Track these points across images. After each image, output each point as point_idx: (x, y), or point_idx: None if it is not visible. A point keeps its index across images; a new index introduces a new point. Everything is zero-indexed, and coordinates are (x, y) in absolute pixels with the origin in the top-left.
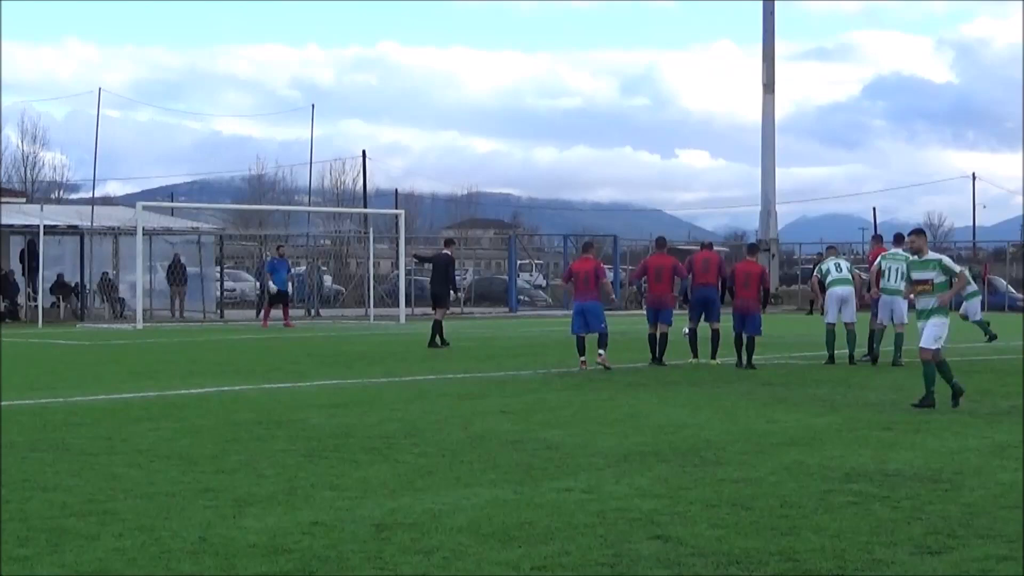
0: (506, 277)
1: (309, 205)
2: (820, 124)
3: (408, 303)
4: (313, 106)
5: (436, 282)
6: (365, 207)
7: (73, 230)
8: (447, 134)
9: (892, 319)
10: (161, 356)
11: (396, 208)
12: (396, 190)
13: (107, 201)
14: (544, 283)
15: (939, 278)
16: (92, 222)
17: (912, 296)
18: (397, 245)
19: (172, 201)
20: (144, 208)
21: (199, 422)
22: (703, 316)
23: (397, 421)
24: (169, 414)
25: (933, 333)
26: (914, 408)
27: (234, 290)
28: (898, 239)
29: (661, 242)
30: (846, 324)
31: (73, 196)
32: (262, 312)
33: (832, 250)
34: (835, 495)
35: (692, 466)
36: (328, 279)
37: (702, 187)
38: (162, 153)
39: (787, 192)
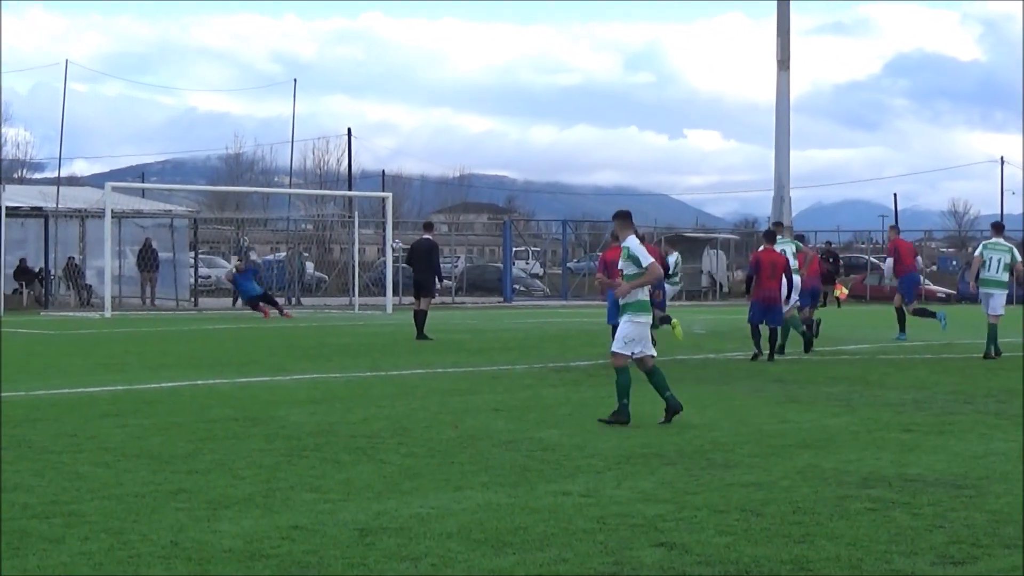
0: (500, 265)
1: (290, 187)
2: (837, 104)
3: (395, 291)
4: (295, 81)
5: (419, 270)
6: (350, 189)
7: (37, 212)
8: (438, 112)
9: (987, 310)
10: (130, 347)
11: (383, 191)
12: (383, 171)
13: (73, 181)
14: (541, 271)
15: None
16: (57, 204)
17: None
18: (384, 230)
19: (143, 182)
20: (113, 189)
21: (171, 419)
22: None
23: (383, 419)
24: (139, 410)
25: None
26: None
27: (209, 277)
28: (997, 228)
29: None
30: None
31: (37, 175)
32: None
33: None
34: (851, 501)
35: (699, 469)
36: (310, 266)
37: (711, 170)
38: (132, 130)
39: (802, 176)
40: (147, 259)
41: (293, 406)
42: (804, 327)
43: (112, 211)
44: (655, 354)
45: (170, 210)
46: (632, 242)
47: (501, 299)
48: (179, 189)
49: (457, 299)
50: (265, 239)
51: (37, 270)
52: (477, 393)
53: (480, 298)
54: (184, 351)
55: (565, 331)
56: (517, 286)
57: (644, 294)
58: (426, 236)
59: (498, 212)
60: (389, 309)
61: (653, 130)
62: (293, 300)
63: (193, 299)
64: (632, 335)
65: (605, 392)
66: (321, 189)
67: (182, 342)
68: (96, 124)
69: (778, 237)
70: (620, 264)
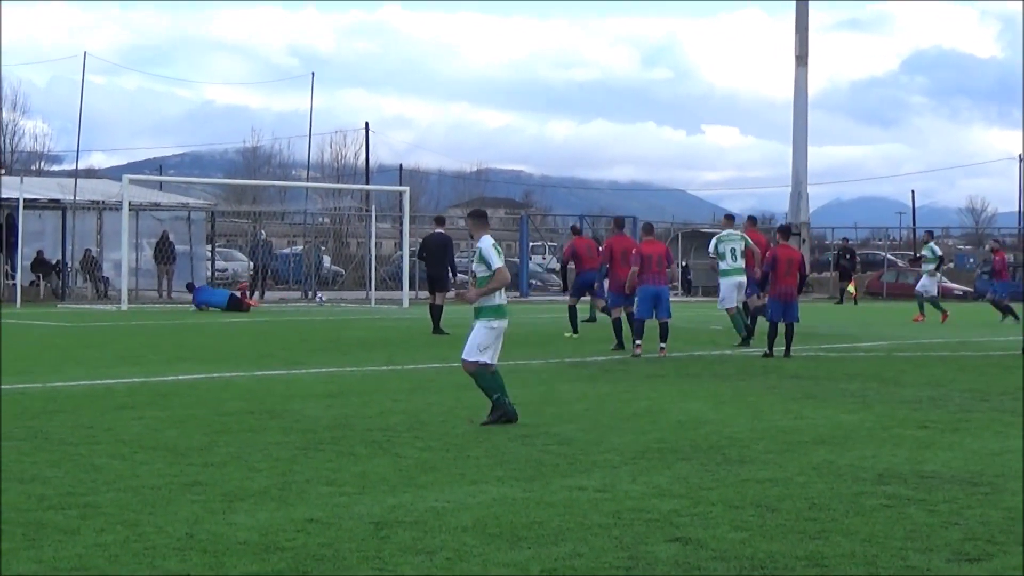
0: (517, 260)
1: (307, 180)
2: (854, 100)
3: (411, 286)
4: (312, 74)
5: (432, 264)
6: (367, 183)
7: (55, 204)
8: (456, 106)
9: None
10: (147, 340)
11: (400, 185)
12: (400, 165)
13: (91, 173)
14: (557, 267)
15: None
16: (75, 196)
17: None
18: (401, 224)
19: (160, 174)
20: (130, 181)
21: (187, 411)
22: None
23: (399, 413)
24: (154, 402)
25: None
26: None
27: (226, 270)
28: None
29: (648, 227)
30: None
31: (55, 168)
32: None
33: None
34: (867, 497)
35: (714, 464)
36: (327, 259)
37: (728, 166)
38: (150, 123)
39: (819, 173)
40: (164, 252)
41: (309, 399)
42: (748, 322)
43: (129, 203)
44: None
45: (187, 203)
46: (484, 243)
47: (517, 294)
48: (196, 182)
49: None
50: (282, 232)
51: (54, 262)
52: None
53: None
54: (200, 344)
55: (582, 327)
56: (533, 281)
57: (501, 298)
58: (438, 231)
59: (515, 207)
60: (406, 303)
61: (670, 125)
62: (310, 293)
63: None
64: (485, 342)
65: (622, 387)
66: (338, 183)
67: (198, 335)
68: (114, 117)
69: (727, 231)
70: (473, 266)
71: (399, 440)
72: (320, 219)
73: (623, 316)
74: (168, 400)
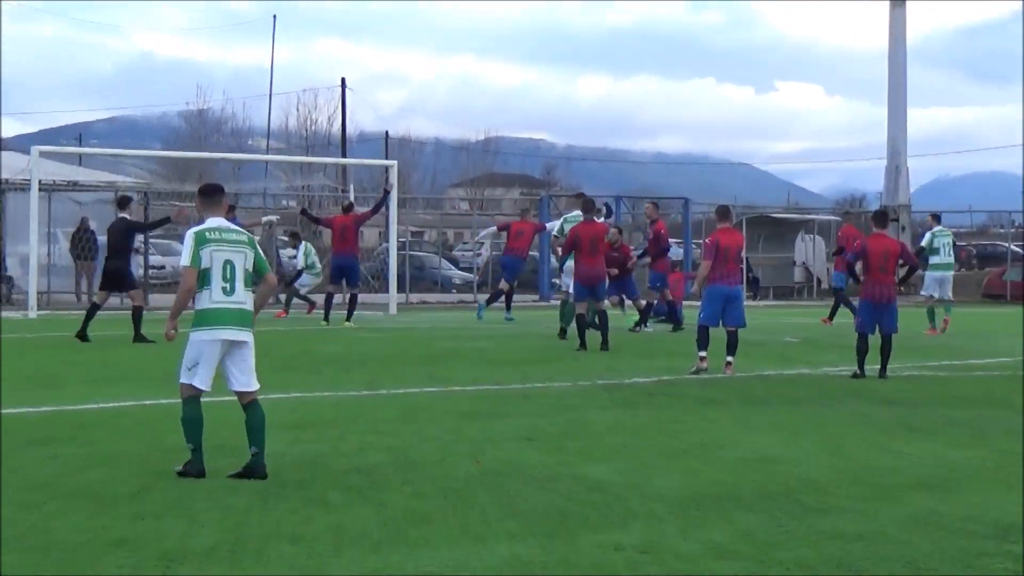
0: (535, 253)
1: (268, 152)
2: (961, 51)
3: (401, 287)
4: (274, 18)
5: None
6: (344, 156)
7: None
8: (458, 60)
9: None
10: (63, 356)
11: (386, 158)
12: (386, 133)
13: None
14: None
15: None
16: None
17: None
18: (387, 209)
19: (81, 145)
20: (41, 154)
21: (115, 447)
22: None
23: (384, 449)
24: (74, 436)
25: None
26: None
27: (163, 268)
28: None
29: (724, 211)
30: None
31: None
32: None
33: None
34: (984, 559)
35: (786, 515)
36: (291, 253)
37: (805, 134)
38: (71, 79)
39: (921, 142)
40: (84, 244)
41: (270, 432)
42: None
43: (40, 183)
44: (203, 387)
45: (115, 182)
46: (193, 230)
47: (536, 297)
48: (127, 155)
49: (480, 296)
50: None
51: None
52: (504, 417)
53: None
54: (132, 362)
55: (619, 338)
56: (557, 281)
57: (208, 302)
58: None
59: (533, 186)
60: (393, 309)
61: (734, 82)
62: (275, 298)
63: (142, 295)
64: (193, 358)
65: (669, 415)
66: (307, 156)
67: (130, 351)
68: (25, 72)
69: (581, 214)
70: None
71: (384, 484)
72: (284, 202)
73: (626, 310)
74: (91, 433)
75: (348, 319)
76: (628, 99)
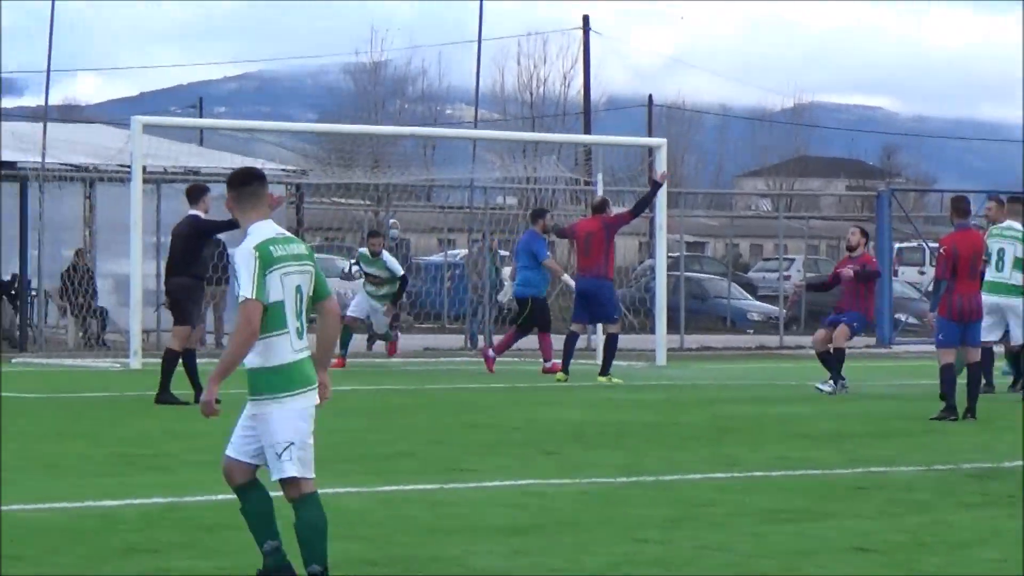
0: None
1: (475, 125)
2: None
3: (672, 325)
4: None
5: None
6: (587, 130)
7: (9, 169)
8: None
9: None
10: (171, 426)
11: (650, 134)
12: (650, 98)
13: (71, 112)
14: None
15: None
16: (43, 156)
17: None
18: (652, 209)
19: (202, 115)
20: (146, 128)
21: (244, 559)
22: None
23: (649, 563)
24: (190, 542)
25: None
26: None
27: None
28: None
29: None
30: None
31: (12, 103)
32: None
33: None
34: None
35: None
36: (506, 273)
37: None
38: (179, 21)
39: None
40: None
41: (481, 536)
42: None
43: (145, 170)
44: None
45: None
46: (245, 247)
47: (873, 341)
48: (267, 128)
49: (786, 338)
50: (425, 224)
51: (10, 278)
52: (826, 517)
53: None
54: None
55: (990, 402)
56: (901, 317)
57: (289, 352)
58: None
59: (865, 175)
60: (661, 358)
61: None
62: (482, 337)
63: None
64: (288, 438)
65: None
66: (533, 131)
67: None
68: (112, 9)
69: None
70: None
71: None
72: (499, 198)
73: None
74: (212, 538)
75: (603, 372)
76: (1007, 44)
